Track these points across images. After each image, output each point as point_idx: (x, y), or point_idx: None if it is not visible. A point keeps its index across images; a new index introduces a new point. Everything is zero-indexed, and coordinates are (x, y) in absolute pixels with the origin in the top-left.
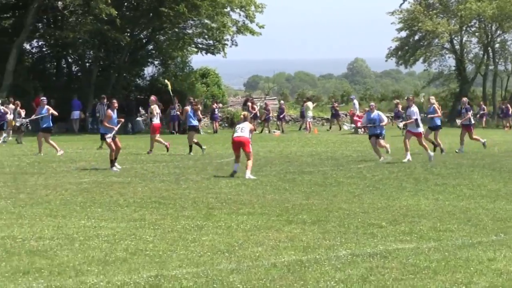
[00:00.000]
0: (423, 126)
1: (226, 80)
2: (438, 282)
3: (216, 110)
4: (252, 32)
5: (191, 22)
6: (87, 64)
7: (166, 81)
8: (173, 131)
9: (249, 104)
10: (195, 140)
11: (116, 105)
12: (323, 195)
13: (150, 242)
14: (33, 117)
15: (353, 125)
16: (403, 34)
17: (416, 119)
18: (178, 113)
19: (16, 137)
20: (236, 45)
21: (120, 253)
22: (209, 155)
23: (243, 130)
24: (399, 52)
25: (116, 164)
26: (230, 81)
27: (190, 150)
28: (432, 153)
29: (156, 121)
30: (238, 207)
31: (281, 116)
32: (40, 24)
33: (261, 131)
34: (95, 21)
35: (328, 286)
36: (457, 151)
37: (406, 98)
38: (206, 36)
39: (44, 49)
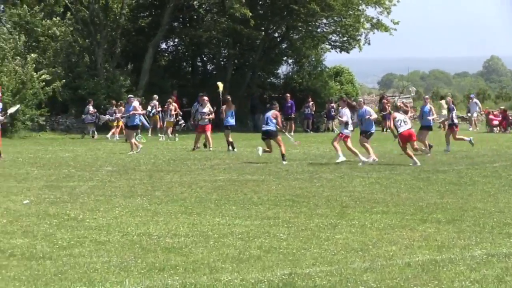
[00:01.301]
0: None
1: (360, 78)
2: None
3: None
4: (386, 29)
5: (324, 20)
6: (222, 63)
7: (218, 83)
8: (306, 129)
9: (384, 101)
10: (230, 139)
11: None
12: (458, 194)
13: (283, 240)
14: (119, 115)
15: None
16: None
17: (347, 122)
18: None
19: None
20: (369, 43)
21: (254, 251)
22: (343, 154)
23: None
24: None
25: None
26: (364, 79)
27: (231, 147)
28: (364, 158)
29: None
30: (372, 206)
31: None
32: (176, 23)
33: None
34: (229, 20)
35: (463, 286)
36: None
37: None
38: (340, 34)
39: (179, 48)
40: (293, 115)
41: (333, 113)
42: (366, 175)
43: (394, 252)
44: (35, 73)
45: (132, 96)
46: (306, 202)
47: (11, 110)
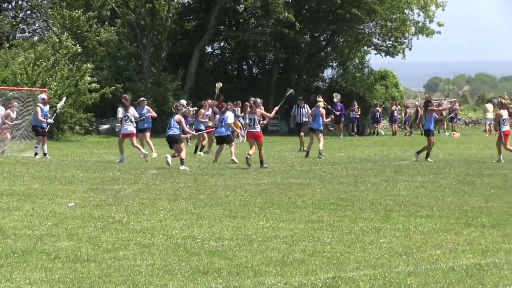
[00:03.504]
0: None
1: (405, 82)
2: None
3: (395, 111)
4: (431, 33)
5: (370, 24)
6: (267, 66)
7: (217, 83)
8: (352, 133)
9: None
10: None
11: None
12: (503, 198)
13: (327, 244)
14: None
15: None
16: None
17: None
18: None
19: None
20: (410, 48)
21: (298, 254)
22: (388, 157)
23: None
24: None
25: None
26: (409, 83)
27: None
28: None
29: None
30: (417, 210)
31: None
32: (222, 27)
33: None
34: (275, 24)
35: None
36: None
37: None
38: (385, 37)
39: (225, 52)
40: (343, 119)
41: (378, 116)
42: (411, 179)
43: (438, 256)
44: (87, 80)
45: (144, 99)
46: (350, 206)
47: (59, 105)
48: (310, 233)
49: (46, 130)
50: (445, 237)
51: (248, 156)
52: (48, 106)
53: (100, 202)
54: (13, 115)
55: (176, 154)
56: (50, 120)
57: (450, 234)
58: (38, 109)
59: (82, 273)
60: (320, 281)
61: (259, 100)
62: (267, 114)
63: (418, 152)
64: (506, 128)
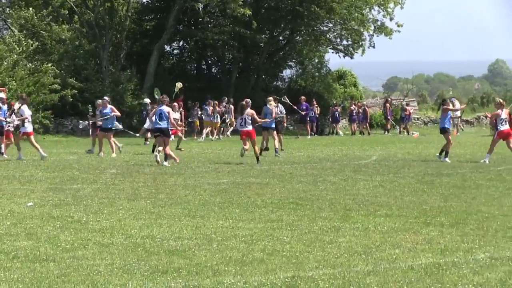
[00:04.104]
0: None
1: (364, 81)
2: None
3: (354, 111)
4: (390, 33)
5: (330, 24)
6: (227, 66)
7: (178, 83)
8: (311, 133)
9: (388, 105)
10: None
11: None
12: (462, 197)
13: (287, 243)
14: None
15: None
16: None
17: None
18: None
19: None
20: (374, 46)
21: (257, 254)
22: (347, 157)
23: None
24: None
25: None
26: (368, 82)
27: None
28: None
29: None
30: (376, 209)
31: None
32: (180, 26)
33: (399, 133)
34: (233, 23)
35: None
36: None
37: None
38: (344, 38)
39: (184, 51)
40: (308, 118)
41: (337, 116)
42: (370, 178)
43: (397, 255)
44: (48, 80)
45: (106, 98)
46: (309, 205)
47: (16, 105)
48: (269, 233)
49: (5, 129)
50: (404, 236)
51: (243, 150)
52: (6, 105)
53: (59, 201)
54: None
55: (160, 148)
56: (9, 120)
57: (409, 233)
58: None
59: (41, 273)
60: (280, 280)
61: (249, 101)
62: (257, 118)
63: (440, 153)
64: (504, 127)
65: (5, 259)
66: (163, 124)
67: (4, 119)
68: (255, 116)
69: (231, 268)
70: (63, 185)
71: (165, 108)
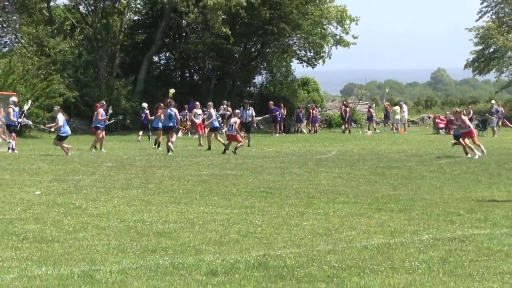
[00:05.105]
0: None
1: (324, 87)
2: (509, 264)
3: (315, 113)
4: (347, 44)
5: (295, 38)
6: (206, 74)
7: (171, 89)
8: (279, 131)
9: (343, 107)
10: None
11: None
12: (409, 187)
13: (259, 226)
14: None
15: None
16: (479, 47)
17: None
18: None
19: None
20: (330, 57)
21: (233, 235)
22: (310, 152)
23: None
24: (476, 63)
25: None
26: (328, 88)
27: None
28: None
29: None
30: (335, 197)
31: (371, 118)
32: (167, 40)
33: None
34: (213, 37)
35: (413, 265)
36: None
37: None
38: (307, 49)
39: (170, 61)
40: (278, 119)
41: (301, 117)
42: (330, 170)
43: (353, 236)
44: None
45: (58, 107)
46: (278, 194)
47: (25, 107)
48: (243, 217)
49: (17, 129)
50: (359, 220)
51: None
52: (18, 107)
53: (63, 190)
54: None
55: (171, 141)
56: (20, 120)
57: (364, 218)
58: (10, 110)
59: (47, 252)
60: (252, 258)
61: (237, 111)
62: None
63: (472, 152)
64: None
65: (16, 240)
66: (171, 123)
67: (15, 119)
68: (238, 123)
69: (211, 247)
70: (66, 176)
71: (175, 110)
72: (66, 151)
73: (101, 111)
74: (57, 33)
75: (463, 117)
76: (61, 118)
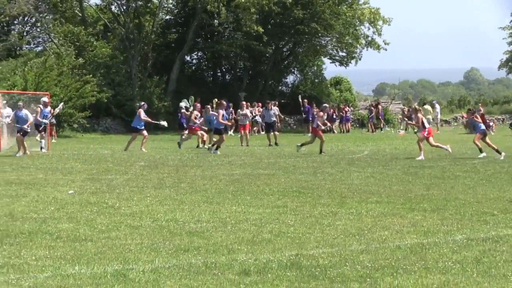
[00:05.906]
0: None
1: (357, 87)
2: None
3: (348, 113)
4: (379, 48)
5: (327, 38)
6: (238, 73)
7: (191, 97)
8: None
9: (372, 108)
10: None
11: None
12: (442, 186)
13: (291, 226)
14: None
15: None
16: None
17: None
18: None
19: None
20: (360, 59)
21: (266, 235)
22: (342, 151)
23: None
24: (510, 63)
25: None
26: (360, 88)
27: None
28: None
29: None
30: (368, 196)
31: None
32: (199, 39)
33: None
34: (245, 37)
35: (446, 266)
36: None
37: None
38: (340, 49)
39: (202, 61)
40: (310, 118)
41: (335, 117)
42: (362, 170)
43: (386, 236)
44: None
45: (21, 104)
46: (310, 193)
47: (57, 109)
48: (276, 217)
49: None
50: (392, 220)
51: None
52: (48, 107)
53: (96, 190)
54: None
55: (216, 143)
56: (45, 121)
57: (397, 218)
58: (39, 110)
59: (80, 251)
60: (285, 257)
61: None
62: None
63: (497, 151)
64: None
65: (49, 239)
66: (215, 125)
67: (41, 119)
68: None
69: (243, 247)
70: (99, 176)
71: (211, 113)
72: (24, 150)
73: (141, 111)
74: (92, 33)
75: (419, 115)
76: (29, 114)
